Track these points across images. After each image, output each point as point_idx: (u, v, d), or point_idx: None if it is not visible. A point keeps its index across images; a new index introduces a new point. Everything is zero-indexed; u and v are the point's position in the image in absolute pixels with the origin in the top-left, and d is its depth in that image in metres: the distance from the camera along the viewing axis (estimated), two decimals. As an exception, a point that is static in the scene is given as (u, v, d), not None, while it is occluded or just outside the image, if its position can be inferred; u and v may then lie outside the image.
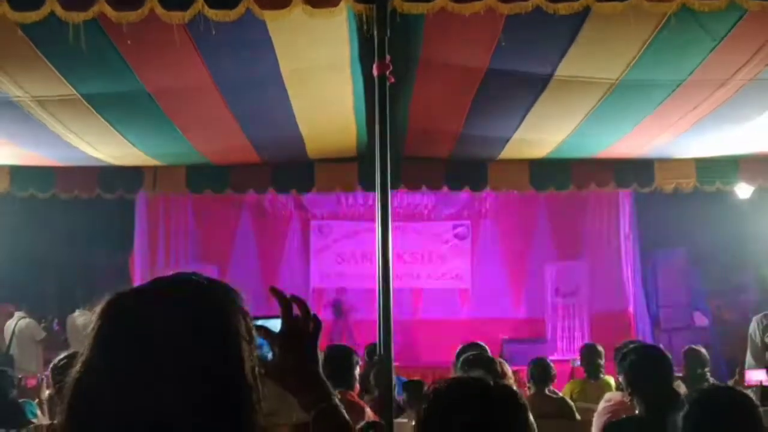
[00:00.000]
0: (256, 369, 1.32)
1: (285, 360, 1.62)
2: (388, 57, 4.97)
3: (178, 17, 4.71)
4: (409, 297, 14.03)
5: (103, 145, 8.05)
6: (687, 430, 2.71)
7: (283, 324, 1.63)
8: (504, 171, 9.10)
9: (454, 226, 14.41)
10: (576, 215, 13.30)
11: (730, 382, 6.05)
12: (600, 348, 7.67)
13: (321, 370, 1.66)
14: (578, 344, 10.16)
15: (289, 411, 1.63)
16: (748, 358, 6.14)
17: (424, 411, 1.83)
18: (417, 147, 8.52)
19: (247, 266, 13.42)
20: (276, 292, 1.64)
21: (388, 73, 4.97)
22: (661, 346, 11.01)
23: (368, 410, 4.79)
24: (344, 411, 1.63)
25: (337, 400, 1.63)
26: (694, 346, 7.80)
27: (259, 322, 1.59)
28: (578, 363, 8.45)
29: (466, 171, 9.15)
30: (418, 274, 14.21)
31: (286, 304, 1.64)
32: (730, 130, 7.65)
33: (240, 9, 4.61)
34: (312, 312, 1.67)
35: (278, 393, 1.57)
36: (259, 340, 1.57)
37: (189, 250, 12.80)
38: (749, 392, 5.49)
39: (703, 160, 8.88)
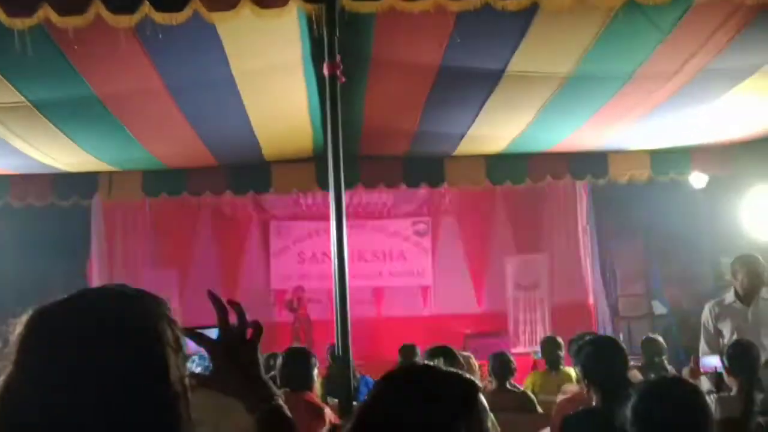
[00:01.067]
0: (185, 379, 1.30)
1: (223, 367, 1.61)
2: (338, 56, 4.99)
3: (124, 21, 4.66)
4: (370, 295, 14.04)
5: (56, 152, 7.94)
6: (634, 421, 2.73)
7: (219, 331, 1.62)
8: (460, 167, 9.13)
9: (414, 223, 14.44)
10: (534, 208, 13.38)
11: (685, 370, 6.13)
12: (560, 340, 7.74)
13: (262, 372, 1.64)
14: (540, 336, 10.24)
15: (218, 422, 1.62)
16: (702, 346, 6.20)
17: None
18: (373, 145, 8.52)
19: (207, 270, 13.32)
20: (212, 297, 1.62)
21: (338, 72, 4.98)
22: (621, 335, 11.17)
23: (327, 411, 4.81)
24: (288, 411, 1.62)
25: (280, 401, 1.62)
26: (650, 335, 7.93)
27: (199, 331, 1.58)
28: (539, 355, 8.53)
29: (423, 168, 9.16)
30: (379, 272, 14.22)
31: (223, 309, 1.63)
32: (681, 120, 7.75)
33: (187, 11, 4.56)
34: (248, 318, 1.66)
35: (213, 405, 1.56)
36: (195, 356, 1.57)
37: (147, 255, 12.66)
38: (705, 378, 5.57)
39: (656, 151, 8.98)
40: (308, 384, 4.88)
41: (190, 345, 1.52)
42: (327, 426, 4.50)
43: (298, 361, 4.97)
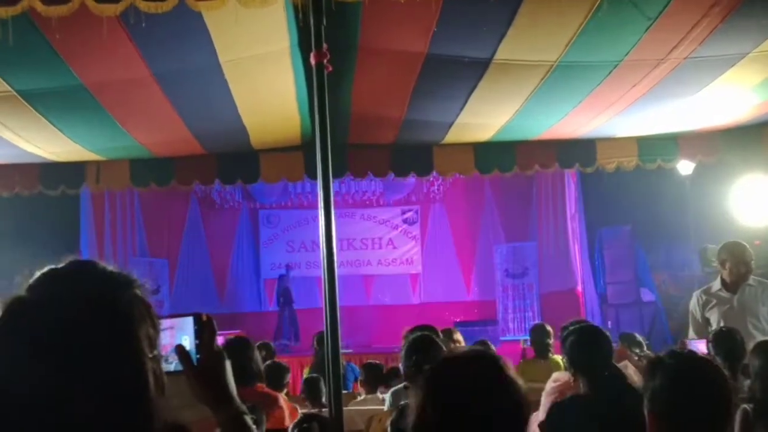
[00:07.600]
0: (158, 370, 1.29)
1: (200, 387, 1.65)
2: (325, 45, 4.96)
3: (110, 10, 4.65)
4: (359, 284, 14.07)
5: (42, 142, 7.88)
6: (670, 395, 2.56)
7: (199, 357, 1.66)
8: (449, 155, 9.10)
9: (403, 212, 14.48)
10: (523, 196, 13.44)
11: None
12: (548, 327, 7.75)
13: (230, 389, 1.69)
14: (529, 324, 10.28)
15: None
16: (690, 334, 6.23)
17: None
18: (361, 134, 8.50)
19: (197, 258, 13.32)
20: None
21: (325, 61, 4.96)
22: (609, 322, 11.17)
23: (281, 397, 4.68)
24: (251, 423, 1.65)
25: (247, 419, 1.66)
26: (626, 332, 8.02)
27: (168, 323, 1.59)
28: (528, 343, 8.55)
29: (412, 156, 9.13)
30: (369, 260, 14.26)
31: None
32: (668, 108, 7.76)
33: (173, 0, 4.55)
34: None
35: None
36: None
37: (137, 244, 12.63)
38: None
39: (644, 138, 8.96)
40: (249, 378, 4.35)
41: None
42: (287, 412, 4.42)
43: (234, 356, 4.57)
